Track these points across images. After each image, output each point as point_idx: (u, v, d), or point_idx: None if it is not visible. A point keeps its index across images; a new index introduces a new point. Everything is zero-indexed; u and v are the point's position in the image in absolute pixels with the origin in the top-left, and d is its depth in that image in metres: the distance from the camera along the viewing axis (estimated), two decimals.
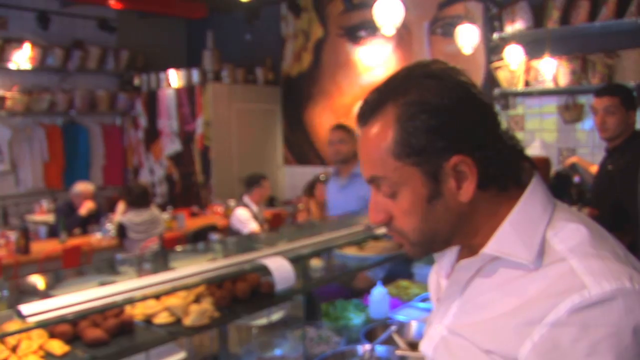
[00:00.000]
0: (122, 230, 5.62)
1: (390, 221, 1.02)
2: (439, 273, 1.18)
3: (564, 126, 6.45)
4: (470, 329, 1.00)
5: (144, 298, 1.85)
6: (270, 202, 8.00)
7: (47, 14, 8.17)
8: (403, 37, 7.65)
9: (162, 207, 7.07)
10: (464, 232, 1.02)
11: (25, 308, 1.56)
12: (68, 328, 1.80)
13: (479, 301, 1.00)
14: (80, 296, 1.74)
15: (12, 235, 5.38)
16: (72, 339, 1.81)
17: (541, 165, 4.38)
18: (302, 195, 6.48)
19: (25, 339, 1.79)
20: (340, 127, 4.43)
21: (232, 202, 7.10)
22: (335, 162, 4.47)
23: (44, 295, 1.89)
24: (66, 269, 5.25)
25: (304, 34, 8.80)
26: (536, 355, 0.87)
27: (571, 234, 0.94)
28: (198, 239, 5.85)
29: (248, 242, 3.15)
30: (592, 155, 6.07)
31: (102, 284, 1.97)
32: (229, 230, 5.90)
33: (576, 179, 5.00)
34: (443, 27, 7.30)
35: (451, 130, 0.94)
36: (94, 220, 6.23)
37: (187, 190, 8.53)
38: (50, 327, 1.80)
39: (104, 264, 2.90)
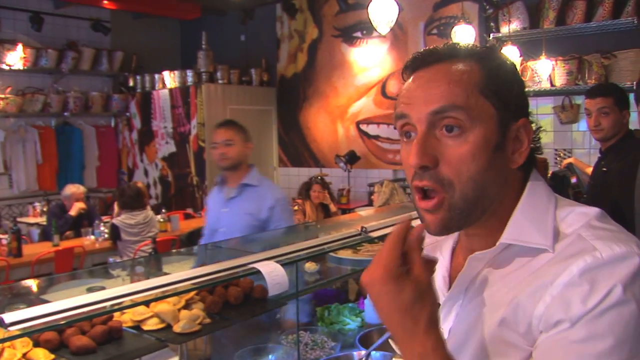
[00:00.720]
0: (115, 232, 5.56)
1: (435, 167, 0.95)
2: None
3: (560, 127, 6.42)
4: (479, 314, 0.99)
5: (133, 305, 1.80)
6: None
7: (40, 14, 8.11)
8: (398, 37, 7.62)
9: (157, 209, 7.02)
10: (492, 210, 0.99)
11: (7, 316, 1.51)
12: (54, 336, 1.75)
13: (488, 293, 0.99)
14: (65, 303, 1.69)
15: (5, 238, 5.32)
16: (58, 347, 1.76)
17: (539, 166, 4.34)
18: (297, 197, 6.44)
19: (9, 347, 1.74)
20: (228, 125, 3.62)
21: None
22: (221, 169, 3.65)
23: (29, 302, 1.85)
24: (56, 273, 5.21)
25: (299, 34, 8.76)
26: (548, 314, 0.87)
27: (577, 217, 0.96)
28: (192, 241, 5.79)
29: (241, 246, 3.10)
30: (589, 156, 6.04)
31: (90, 290, 1.93)
32: None
33: (573, 180, 4.97)
34: (439, 28, 7.28)
35: (524, 95, 1.02)
36: (86, 222, 6.18)
37: (181, 192, 8.48)
38: (35, 335, 1.75)
39: (94, 269, 2.86)
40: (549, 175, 4.69)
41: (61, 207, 6.24)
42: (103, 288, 1.92)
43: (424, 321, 0.87)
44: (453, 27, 5.48)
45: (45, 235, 6.03)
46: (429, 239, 1.11)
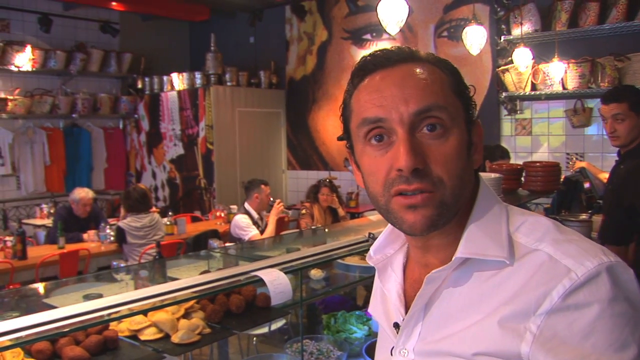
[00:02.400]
0: (121, 235, 5.51)
1: (425, 167, 0.91)
2: (386, 296, 1.10)
3: (572, 131, 6.33)
4: (448, 341, 0.93)
5: (130, 314, 1.74)
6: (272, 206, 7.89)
7: (49, 16, 8.10)
8: (408, 40, 7.55)
9: (164, 212, 6.98)
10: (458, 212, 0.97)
11: None
12: (46, 346, 1.69)
13: (451, 311, 0.95)
14: (59, 312, 1.64)
15: (10, 240, 5.28)
16: (50, 357, 1.70)
17: (551, 170, 4.25)
18: (306, 200, 6.38)
19: None
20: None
21: (234, 207, 6.99)
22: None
23: (23, 310, 1.80)
24: (61, 276, 5.17)
25: (308, 36, 8.71)
26: (540, 346, 0.84)
27: (532, 226, 0.94)
28: (198, 245, 5.74)
29: (245, 252, 3.04)
30: (602, 161, 5.95)
31: (87, 297, 1.87)
32: (229, 237, 5.79)
33: (586, 185, 4.88)
34: (449, 30, 7.20)
35: (472, 101, 1.01)
36: (93, 224, 6.14)
37: (189, 195, 8.44)
38: (28, 345, 1.69)
39: (96, 274, 2.80)
40: (562, 180, 4.59)
41: (68, 210, 6.19)
42: (100, 295, 1.86)
43: None
44: (463, 29, 5.39)
45: (49, 238, 5.98)
46: (378, 256, 1.10)
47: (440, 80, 0.94)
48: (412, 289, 1.03)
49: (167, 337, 1.86)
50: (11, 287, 4.69)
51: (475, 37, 5.22)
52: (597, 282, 0.83)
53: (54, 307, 1.75)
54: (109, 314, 1.73)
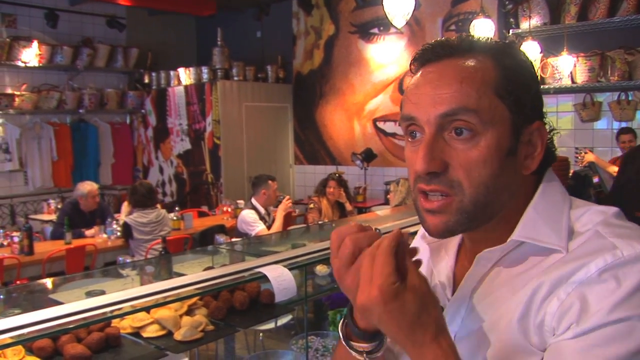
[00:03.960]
0: (127, 230, 5.51)
1: (443, 172, 0.88)
2: (436, 276, 1.06)
3: (581, 125, 6.27)
4: (489, 327, 0.91)
5: (132, 312, 1.72)
6: (280, 202, 7.87)
7: (55, 11, 8.10)
8: (416, 34, 7.50)
9: (172, 207, 6.97)
10: (502, 216, 0.93)
11: None
12: (47, 343, 1.67)
13: (497, 295, 0.92)
14: (60, 310, 1.62)
15: (17, 236, 5.28)
16: (52, 354, 1.68)
17: (561, 165, 4.21)
18: (314, 195, 6.35)
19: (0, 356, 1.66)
20: None
21: (241, 202, 6.97)
22: None
23: (25, 306, 1.78)
24: (67, 271, 5.17)
25: (315, 31, 8.67)
26: (561, 313, 0.81)
27: (593, 216, 0.90)
28: (204, 240, 5.72)
29: (251, 247, 3.02)
30: (610, 155, 5.90)
31: (89, 294, 1.85)
32: (235, 232, 5.77)
33: (595, 179, 4.84)
34: (457, 24, 7.15)
35: (539, 96, 0.95)
36: (99, 219, 6.13)
37: (196, 190, 8.43)
38: (29, 342, 1.67)
39: (101, 269, 2.79)
40: (571, 174, 4.55)
41: (75, 205, 6.18)
42: (103, 292, 1.85)
43: (432, 329, 0.80)
44: (471, 22, 5.34)
45: (53, 234, 5.97)
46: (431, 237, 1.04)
47: (481, 78, 0.89)
48: (461, 273, 1.00)
49: (169, 334, 1.84)
50: (18, 282, 4.70)
51: (483, 31, 5.17)
52: None
53: (57, 303, 1.74)
54: (111, 311, 1.71)
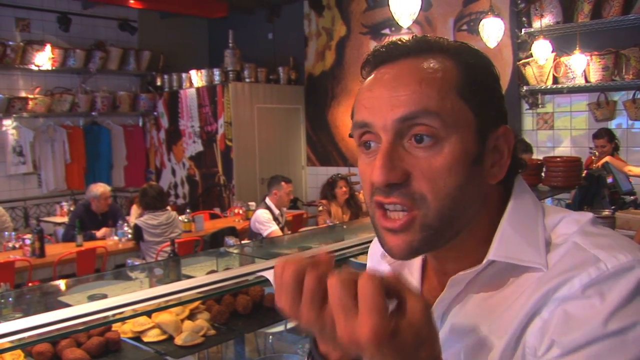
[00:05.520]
0: (138, 232, 5.51)
1: (405, 182, 0.79)
2: None
3: (596, 124, 6.19)
4: (466, 351, 0.84)
5: (133, 316, 1.71)
6: (293, 203, 7.86)
7: (68, 15, 8.15)
8: (427, 34, 7.45)
9: (183, 209, 6.97)
10: (468, 229, 0.84)
11: None
12: (47, 348, 1.66)
13: (471, 319, 0.84)
14: (61, 314, 1.61)
15: (28, 238, 5.31)
16: (51, 359, 1.67)
17: (572, 165, 4.15)
18: (321, 198, 6.34)
19: None
20: None
21: (252, 204, 6.97)
22: None
23: (26, 311, 1.77)
24: (78, 274, 5.18)
25: (326, 32, 8.65)
26: (544, 331, 0.75)
27: (568, 225, 0.84)
28: (215, 242, 5.72)
29: (259, 250, 3.00)
30: (626, 154, 5.81)
31: (91, 298, 1.84)
32: (249, 232, 5.77)
33: (609, 179, 4.76)
34: (469, 24, 7.10)
35: (503, 99, 0.87)
36: (110, 221, 6.15)
37: (209, 192, 8.44)
38: (28, 346, 1.66)
39: (106, 273, 2.78)
40: (584, 175, 4.48)
41: (87, 207, 6.20)
42: (105, 296, 1.83)
43: (433, 358, 0.70)
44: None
45: (65, 236, 5.99)
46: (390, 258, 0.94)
47: (442, 79, 0.81)
48: (430, 296, 0.91)
49: (170, 338, 1.83)
50: (30, 284, 4.72)
51: (492, 30, 5.12)
52: (628, 277, 0.73)
53: (64, 306, 1.72)
54: (113, 315, 1.69)
